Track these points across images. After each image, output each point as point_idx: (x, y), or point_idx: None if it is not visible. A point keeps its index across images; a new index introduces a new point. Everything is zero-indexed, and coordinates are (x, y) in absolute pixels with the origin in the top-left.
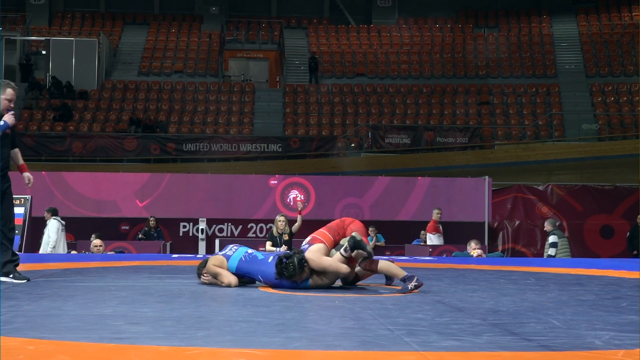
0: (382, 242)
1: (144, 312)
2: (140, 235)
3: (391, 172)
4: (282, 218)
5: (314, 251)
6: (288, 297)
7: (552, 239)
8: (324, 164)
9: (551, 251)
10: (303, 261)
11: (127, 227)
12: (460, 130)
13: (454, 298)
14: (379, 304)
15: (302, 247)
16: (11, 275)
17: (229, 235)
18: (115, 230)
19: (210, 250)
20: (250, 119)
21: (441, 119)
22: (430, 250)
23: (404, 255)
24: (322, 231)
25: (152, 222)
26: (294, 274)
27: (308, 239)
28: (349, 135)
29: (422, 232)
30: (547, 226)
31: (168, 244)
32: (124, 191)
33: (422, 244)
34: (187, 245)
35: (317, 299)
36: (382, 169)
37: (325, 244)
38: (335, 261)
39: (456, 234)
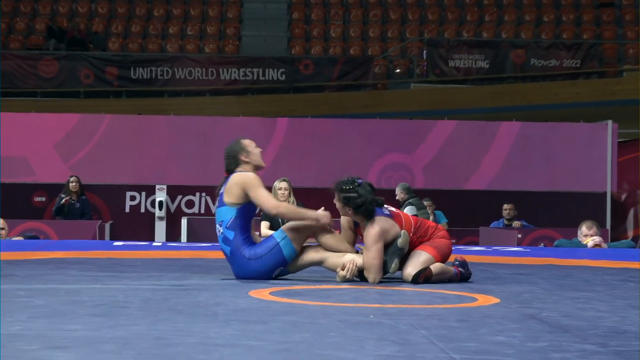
0: (443, 224)
1: (71, 330)
2: (56, 206)
3: (458, 113)
4: (284, 184)
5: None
6: (295, 308)
7: (408, 211)
8: (351, 100)
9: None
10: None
11: (44, 199)
12: (567, 47)
13: (555, 311)
14: (437, 320)
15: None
16: None
17: (202, 212)
18: (25, 203)
19: (172, 235)
20: (236, 29)
21: (537, 30)
22: (519, 236)
23: (477, 244)
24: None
25: (72, 185)
26: (360, 203)
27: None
28: (392, 56)
29: (507, 206)
30: (399, 193)
31: (107, 225)
32: (38, 142)
33: (505, 226)
34: (138, 226)
35: (340, 311)
36: (443, 109)
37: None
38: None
39: (561, 212)
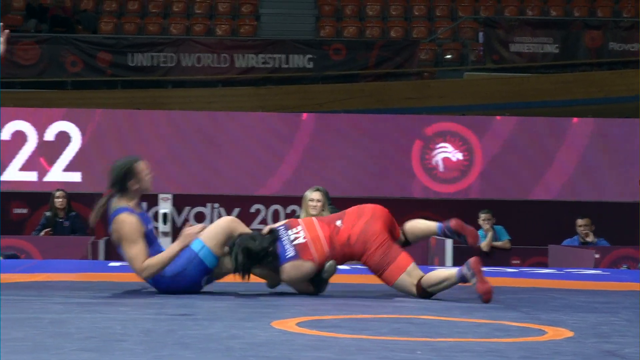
0: (504, 242)
1: None
2: (37, 228)
3: (521, 107)
4: (316, 195)
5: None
6: (325, 341)
7: None
8: (392, 92)
9: None
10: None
11: (26, 211)
12: None
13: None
14: (497, 357)
15: (278, 228)
16: None
17: None
18: (2, 215)
19: None
20: (253, 6)
21: (616, 7)
22: (597, 256)
23: (546, 265)
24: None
25: (59, 202)
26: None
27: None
28: (441, 38)
29: (581, 222)
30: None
31: (101, 242)
32: (18, 142)
33: (580, 244)
34: None
35: (379, 345)
36: (503, 102)
37: (313, 259)
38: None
39: None
